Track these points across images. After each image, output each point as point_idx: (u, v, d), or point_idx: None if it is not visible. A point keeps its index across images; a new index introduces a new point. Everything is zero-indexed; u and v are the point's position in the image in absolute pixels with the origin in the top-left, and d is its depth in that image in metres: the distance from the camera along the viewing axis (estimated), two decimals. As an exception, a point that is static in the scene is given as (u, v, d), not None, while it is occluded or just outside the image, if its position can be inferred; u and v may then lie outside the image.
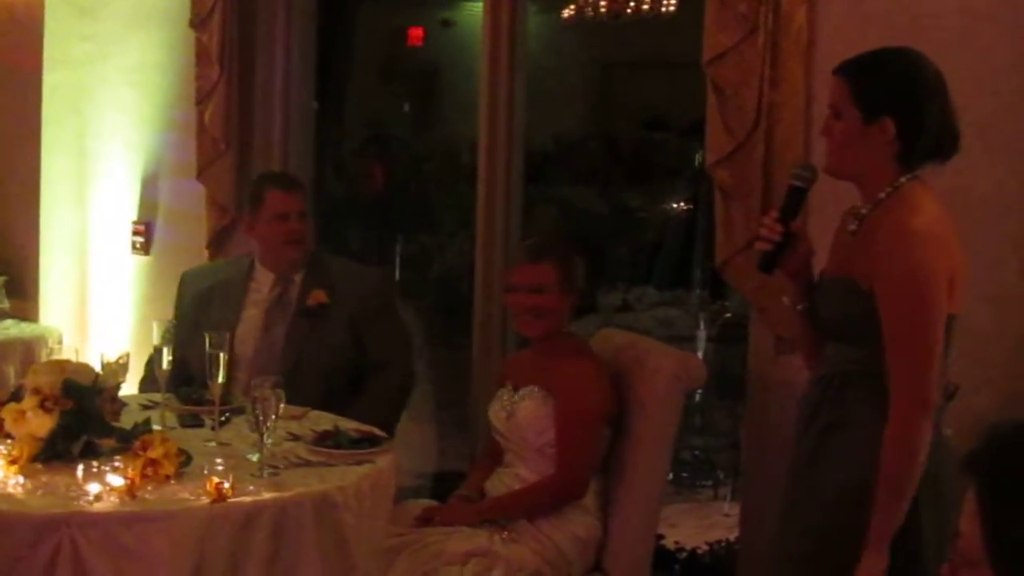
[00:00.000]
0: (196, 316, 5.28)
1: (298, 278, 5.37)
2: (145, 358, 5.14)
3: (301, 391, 4.22)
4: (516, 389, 4.77)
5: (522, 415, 4.69)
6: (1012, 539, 2.02)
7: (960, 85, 4.54)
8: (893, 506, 3.40)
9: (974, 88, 4.53)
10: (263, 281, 5.40)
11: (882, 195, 3.52)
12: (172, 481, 3.76)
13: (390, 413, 4.67)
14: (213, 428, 4.36)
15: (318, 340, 5.25)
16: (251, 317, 5.35)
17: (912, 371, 3.42)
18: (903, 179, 3.52)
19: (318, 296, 5.29)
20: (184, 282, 5.60)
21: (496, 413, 4.81)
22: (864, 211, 3.57)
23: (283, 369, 4.85)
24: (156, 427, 4.26)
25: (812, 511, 3.62)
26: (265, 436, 3.92)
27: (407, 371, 5.38)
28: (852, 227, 3.61)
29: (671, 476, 6.88)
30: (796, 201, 3.68)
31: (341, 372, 5.24)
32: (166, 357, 4.50)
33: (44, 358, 6.53)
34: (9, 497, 3.65)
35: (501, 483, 4.76)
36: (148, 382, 5.16)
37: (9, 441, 3.94)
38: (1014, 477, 2.05)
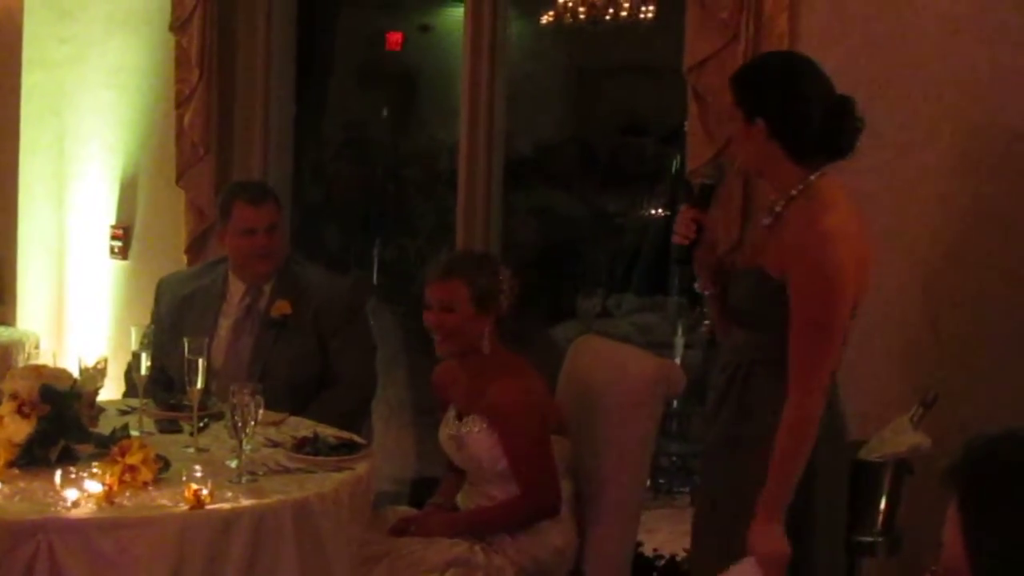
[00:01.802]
0: (174, 323, 5.26)
1: (268, 288, 5.34)
2: (123, 363, 5.11)
3: (269, 403, 4.21)
4: (460, 417, 4.67)
5: (472, 448, 4.60)
6: (991, 548, 2.04)
7: (941, 92, 4.57)
8: (783, 481, 3.60)
9: (955, 95, 4.55)
10: (235, 291, 5.38)
11: (794, 192, 3.68)
12: (150, 487, 3.75)
13: (339, 424, 4.62)
14: (192, 434, 4.34)
15: (283, 351, 5.23)
16: (223, 327, 5.32)
17: (812, 360, 3.60)
18: (813, 177, 3.67)
19: (282, 307, 5.26)
20: (161, 289, 5.57)
21: (446, 442, 4.73)
22: (778, 208, 3.72)
23: (249, 381, 4.81)
24: (134, 432, 4.26)
25: (727, 497, 3.81)
26: (244, 442, 3.92)
27: (364, 383, 5.35)
28: (766, 221, 3.78)
29: (649, 483, 6.88)
30: (706, 196, 3.91)
31: (309, 383, 5.22)
32: (144, 362, 4.49)
33: (21, 363, 6.51)
34: (-14, 503, 3.63)
35: (471, 500, 4.71)
36: (131, 390, 5.12)
37: (-14, 446, 3.91)
38: (992, 488, 2.07)
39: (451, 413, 4.75)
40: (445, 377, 4.87)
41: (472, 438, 4.60)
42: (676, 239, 3.86)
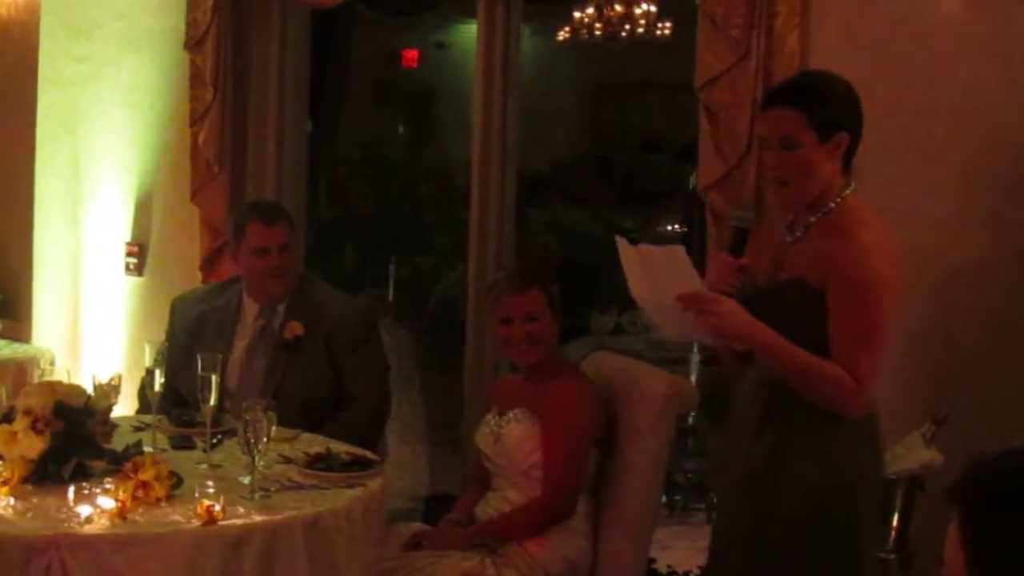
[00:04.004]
0: (189, 342, 5.26)
1: (281, 309, 5.34)
2: (137, 380, 5.11)
3: (283, 423, 4.21)
4: (502, 413, 4.77)
5: (509, 438, 4.69)
6: (992, 566, 2.04)
7: (952, 107, 4.57)
8: (783, 358, 3.61)
9: (966, 111, 4.55)
10: (249, 312, 5.38)
11: (831, 205, 3.67)
12: (163, 503, 3.76)
13: (356, 445, 4.63)
14: (205, 450, 4.35)
15: (296, 372, 5.23)
16: (237, 348, 5.33)
17: (857, 372, 3.56)
18: (847, 192, 3.68)
19: (294, 328, 5.26)
20: (175, 308, 5.58)
21: (483, 437, 4.81)
22: (813, 218, 3.70)
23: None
24: (147, 449, 4.27)
25: (776, 526, 3.71)
26: (257, 458, 3.92)
27: (377, 405, 5.35)
28: (797, 233, 3.74)
29: (664, 499, 6.88)
30: (742, 241, 3.81)
31: (322, 404, 5.21)
32: (158, 379, 4.50)
33: (36, 379, 6.52)
34: (-1, 519, 3.65)
35: (491, 507, 4.75)
36: (145, 407, 5.12)
37: (0, 462, 3.92)
38: (994, 506, 2.07)
39: (492, 415, 4.84)
40: (498, 391, 5.01)
41: (511, 428, 4.70)
42: (723, 288, 3.71)
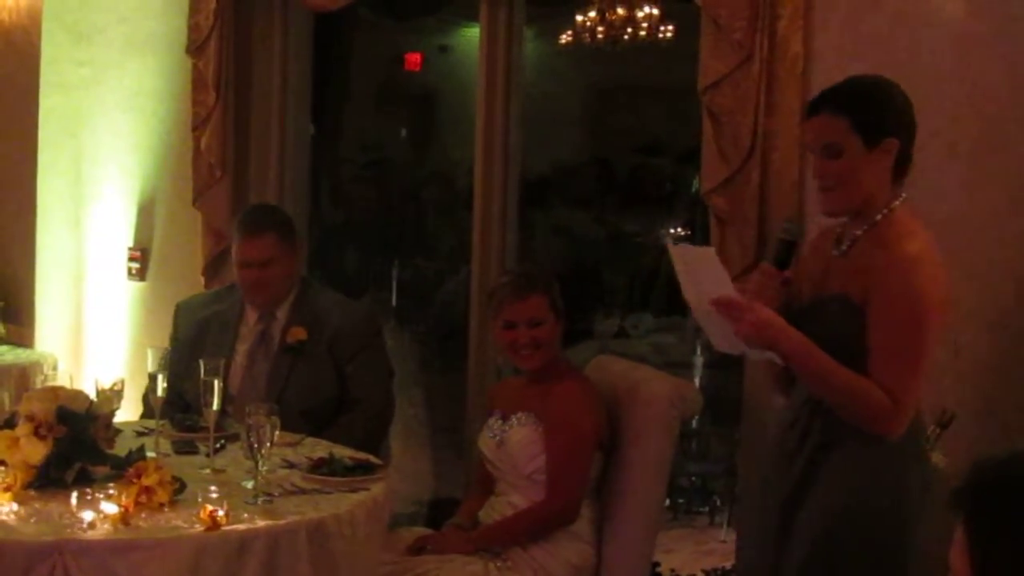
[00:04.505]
0: (192, 346, 5.25)
1: (281, 314, 5.33)
2: (140, 385, 5.12)
3: (285, 428, 4.21)
4: (505, 417, 4.77)
5: (513, 442, 4.69)
6: (998, 571, 2.03)
7: (956, 111, 4.56)
8: (817, 371, 3.52)
9: (970, 114, 4.54)
10: (250, 316, 5.37)
11: (878, 217, 3.57)
12: (166, 508, 3.76)
13: (359, 450, 4.62)
14: (208, 455, 4.35)
15: (299, 377, 5.21)
16: (239, 352, 5.32)
17: (897, 386, 3.45)
18: (896, 203, 3.58)
19: (297, 333, 5.24)
20: (178, 312, 5.57)
21: (486, 442, 4.81)
22: (859, 231, 3.60)
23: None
24: (150, 454, 4.26)
25: (806, 540, 3.62)
26: (260, 463, 3.92)
27: (380, 409, 5.33)
28: (844, 246, 3.64)
29: (668, 502, 6.87)
30: (787, 254, 3.73)
31: (325, 408, 5.19)
32: (161, 384, 4.50)
33: (39, 384, 6.51)
34: (2, 524, 3.64)
35: (494, 511, 4.75)
36: (148, 412, 5.11)
37: (2, 468, 3.92)
38: (1000, 512, 2.06)
39: (494, 419, 4.85)
40: (500, 394, 5.00)
41: (514, 432, 4.71)
42: (765, 301, 3.61)
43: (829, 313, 3.60)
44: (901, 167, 3.60)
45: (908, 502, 3.53)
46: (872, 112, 3.57)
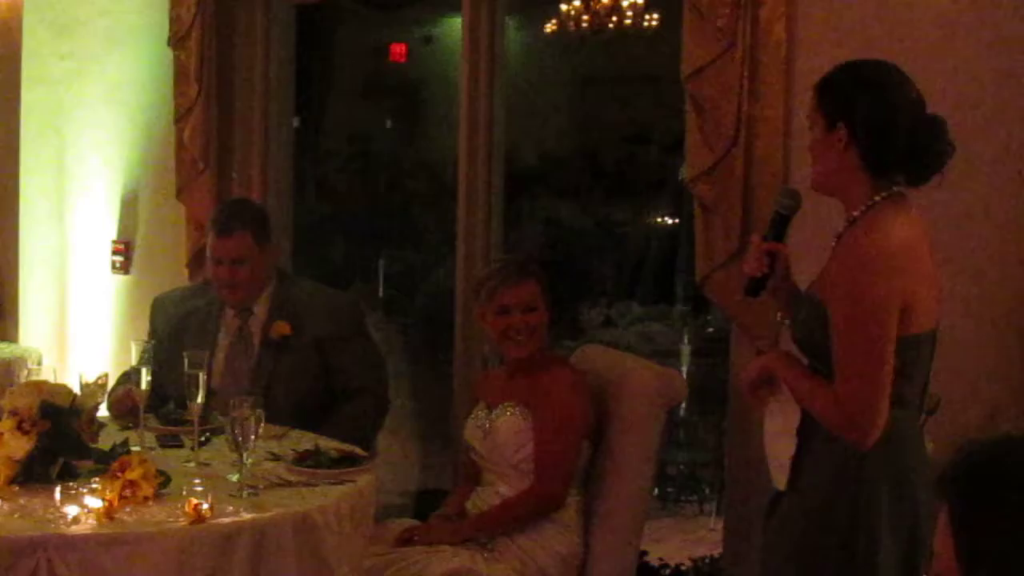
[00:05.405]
0: (172, 342, 5.20)
1: (259, 309, 5.28)
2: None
3: (272, 422, 4.19)
4: (491, 408, 4.76)
5: (499, 432, 4.69)
6: (983, 557, 2.03)
7: (939, 98, 4.53)
8: (790, 385, 3.52)
9: (953, 101, 4.52)
10: (229, 312, 5.33)
11: (856, 213, 3.47)
12: (150, 502, 3.73)
13: (361, 437, 4.61)
14: (192, 448, 4.33)
15: (285, 372, 5.18)
16: (219, 348, 5.28)
17: (852, 393, 3.37)
18: (878, 197, 3.46)
19: (281, 328, 5.20)
20: (155, 308, 5.53)
21: (472, 432, 4.81)
22: (841, 230, 3.52)
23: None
24: (135, 448, 4.25)
25: (786, 537, 3.61)
26: (245, 456, 3.90)
27: (380, 396, 5.31)
28: (832, 243, 3.57)
29: (656, 491, 6.87)
30: (780, 228, 3.67)
31: (311, 400, 5.17)
32: (144, 377, 4.47)
33: (23, 379, 6.48)
34: (-14, 520, 3.63)
35: (481, 502, 4.75)
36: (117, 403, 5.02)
37: (-14, 463, 3.91)
38: (983, 496, 2.06)
39: (480, 408, 4.86)
40: (485, 385, 5.02)
41: (502, 422, 4.70)
42: (747, 270, 3.65)
43: (804, 313, 3.58)
44: (879, 161, 3.46)
45: (874, 503, 3.43)
46: (830, 95, 3.50)
